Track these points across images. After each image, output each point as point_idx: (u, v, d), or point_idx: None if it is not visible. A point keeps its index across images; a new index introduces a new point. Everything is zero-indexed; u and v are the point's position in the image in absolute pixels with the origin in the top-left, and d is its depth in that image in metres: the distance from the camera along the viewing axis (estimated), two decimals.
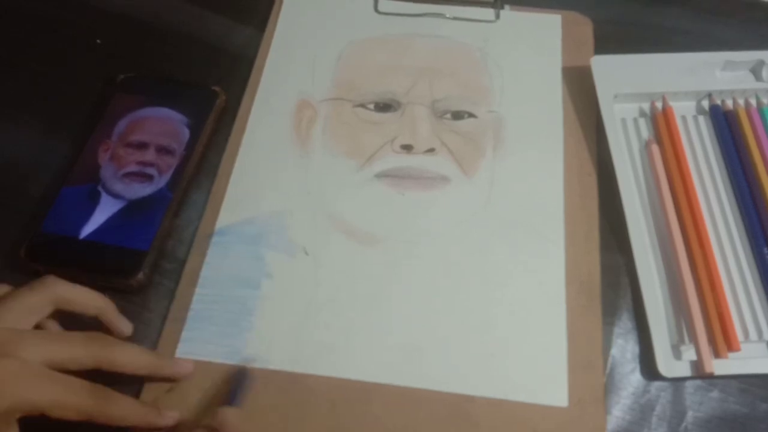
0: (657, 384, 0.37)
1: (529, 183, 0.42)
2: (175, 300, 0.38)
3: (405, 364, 0.36)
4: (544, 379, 0.36)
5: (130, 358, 0.33)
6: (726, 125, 0.43)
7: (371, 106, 0.45)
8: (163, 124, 0.43)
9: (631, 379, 0.37)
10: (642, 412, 0.36)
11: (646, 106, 0.45)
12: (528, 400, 0.35)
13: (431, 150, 0.42)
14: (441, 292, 0.38)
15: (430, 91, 0.45)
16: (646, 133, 0.44)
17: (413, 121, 0.44)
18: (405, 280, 0.39)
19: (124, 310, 0.36)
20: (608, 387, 0.37)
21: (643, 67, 0.45)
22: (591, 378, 0.36)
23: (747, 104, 0.44)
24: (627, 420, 0.36)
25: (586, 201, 0.41)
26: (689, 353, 0.37)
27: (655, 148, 0.42)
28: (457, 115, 0.44)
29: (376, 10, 0.49)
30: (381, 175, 0.42)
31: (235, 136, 0.44)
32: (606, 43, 0.47)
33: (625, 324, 0.38)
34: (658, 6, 0.50)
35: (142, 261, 0.39)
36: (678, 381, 0.37)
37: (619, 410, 0.36)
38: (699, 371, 0.36)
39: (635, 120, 0.45)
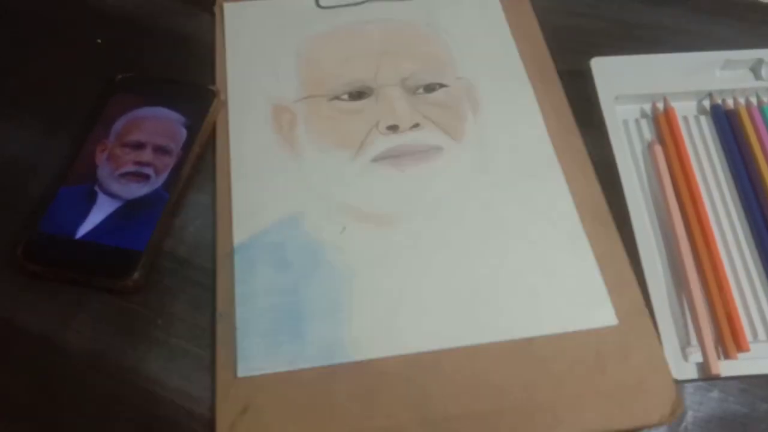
0: None
1: (514, 135, 0.43)
2: (217, 325, 0.37)
3: (460, 326, 0.37)
4: (589, 305, 0.37)
5: None
6: (728, 124, 0.43)
7: (345, 97, 0.45)
8: (160, 124, 0.43)
9: None
10: None
11: (647, 107, 0.45)
12: (581, 327, 0.37)
13: (416, 125, 0.43)
14: (470, 253, 0.39)
15: (396, 72, 0.46)
16: (648, 134, 0.44)
17: (390, 103, 0.44)
18: (433, 250, 0.39)
19: (122, 311, 0.36)
20: None
21: (643, 67, 0.45)
22: (629, 293, 0.38)
23: (748, 103, 0.44)
24: None
25: (569, 138, 0.43)
26: (696, 355, 0.36)
27: (658, 149, 0.42)
28: (429, 88, 0.45)
29: (318, 5, 0.50)
30: (377, 159, 0.42)
31: (221, 152, 0.43)
32: (606, 43, 0.46)
33: None
34: (658, 5, 0.50)
35: (137, 261, 0.38)
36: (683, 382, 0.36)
37: None
38: (706, 373, 0.36)
39: (637, 121, 0.44)
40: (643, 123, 0.44)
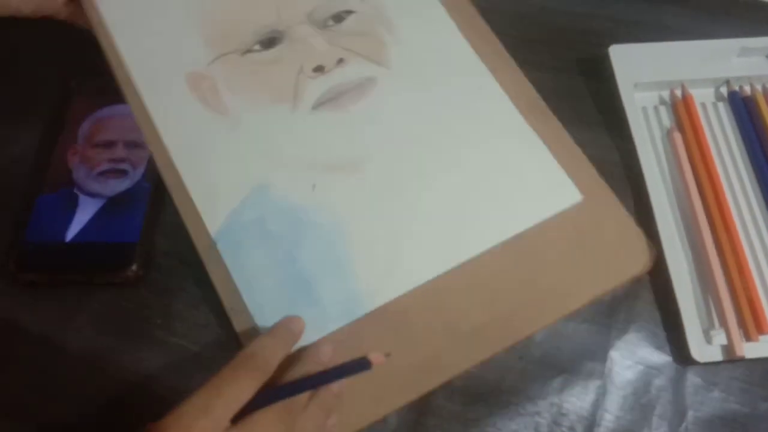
0: (657, 384, 0.37)
1: (435, 47, 0.43)
2: (233, 321, 0.37)
3: (453, 246, 0.38)
4: (553, 188, 0.39)
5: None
6: (745, 111, 0.44)
7: (257, 47, 0.43)
8: (126, 120, 0.43)
9: (631, 379, 0.38)
10: (642, 411, 0.37)
11: (665, 94, 0.45)
12: (553, 211, 0.38)
13: (341, 60, 0.42)
14: (438, 174, 0.40)
15: (298, 9, 0.44)
16: (666, 120, 0.45)
17: (305, 43, 0.43)
18: (405, 182, 0.39)
19: (121, 311, 0.37)
20: (608, 387, 0.37)
21: (661, 55, 0.45)
22: (582, 168, 0.40)
23: (765, 89, 0.44)
24: (628, 420, 0.36)
25: (486, 39, 0.43)
26: (720, 338, 0.37)
27: (677, 136, 0.43)
28: (338, 18, 0.44)
29: None
30: (317, 105, 0.41)
31: (154, 144, 0.40)
32: (605, 41, 0.46)
33: (623, 325, 0.39)
34: (658, 4, 0.50)
35: (133, 252, 0.39)
36: (709, 366, 0.37)
37: (619, 410, 0.37)
38: (730, 355, 0.37)
39: (656, 108, 0.45)
40: (662, 110, 0.45)
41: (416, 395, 0.35)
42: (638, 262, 0.38)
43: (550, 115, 0.41)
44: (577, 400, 0.37)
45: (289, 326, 0.34)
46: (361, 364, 0.32)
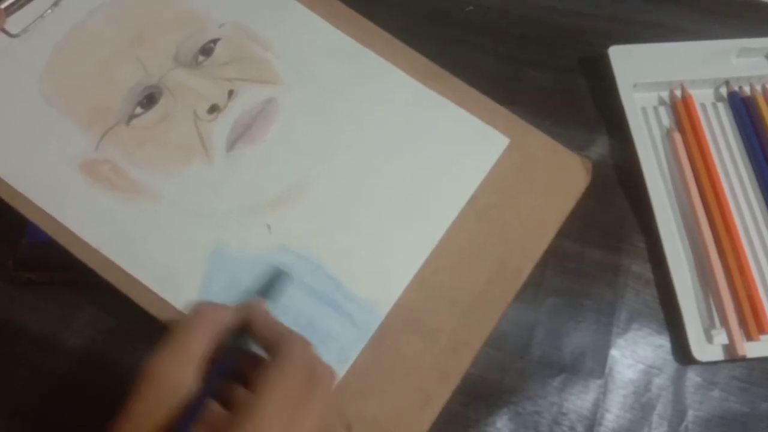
0: (658, 383, 0.37)
1: (311, 43, 0.42)
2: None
3: (420, 232, 0.38)
4: (482, 143, 0.40)
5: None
6: (745, 111, 0.44)
7: (139, 110, 0.39)
8: None
9: (632, 378, 0.37)
10: (643, 411, 0.37)
11: (665, 95, 0.45)
12: (492, 161, 0.40)
13: (231, 92, 0.40)
14: (375, 169, 0.39)
15: (161, 55, 0.40)
16: (666, 121, 0.45)
17: (186, 88, 0.40)
18: (351, 189, 0.39)
19: (121, 311, 0.36)
20: (608, 387, 0.37)
21: (660, 55, 0.45)
22: (496, 112, 0.41)
23: (764, 90, 0.44)
24: (628, 419, 0.36)
25: (352, 20, 0.43)
26: (720, 337, 0.37)
27: (677, 137, 0.43)
28: (206, 51, 0.41)
29: (10, 35, 0.40)
30: (230, 146, 0.39)
31: (83, 253, 0.36)
32: (605, 42, 0.46)
33: (624, 324, 0.39)
34: (658, 4, 0.50)
35: None
36: (709, 365, 0.37)
37: (620, 409, 0.37)
38: (731, 354, 0.37)
39: (655, 108, 0.45)
40: (662, 110, 0.45)
41: (458, 378, 0.36)
42: (580, 177, 0.40)
43: (448, 75, 0.42)
44: (578, 399, 0.37)
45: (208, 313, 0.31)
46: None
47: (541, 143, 0.41)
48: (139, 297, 0.35)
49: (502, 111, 0.41)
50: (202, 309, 0.30)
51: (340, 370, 0.35)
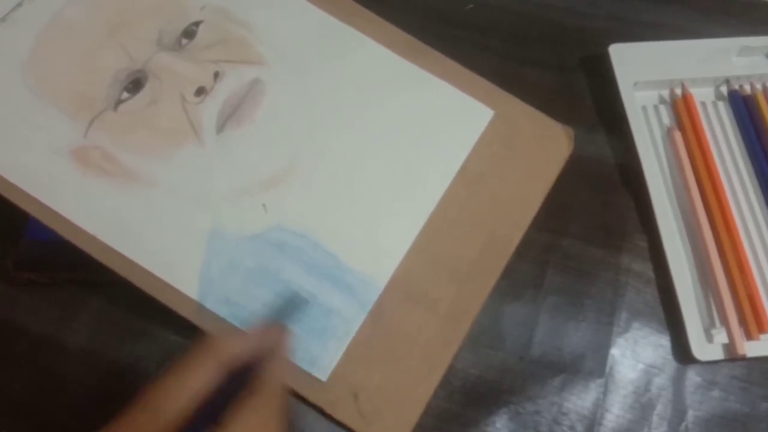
0: (658, 382, 0.37)
1: (293, 24, 0.42)
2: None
3: (413, 204, 0.39)
4: (467, 114, 0.41)
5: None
6: (745, 110, 0.44)
7: (126, 95, 0.39)
8: None
9: (632, 378, 0.37)
10: (643, 410, 0.37)
11: (665, 93, 0.45)
12: (478, 133, 0.41)
13: (217, 74, 0.40)
14: (365, 145, 0.40)
15: (144, 40, 0.40)
16: (666, 119, 0.45)
17: (170, 72, 0.39)
18: (342, 165, 0.39)
19: (121, 310, 0.36)
20: (609, 386, 0.37)
21: (661, 54, 0.45)
22: (478, 85, 0.42)
23: (765, 88, 0.44)
24: (628, 419, 0.36)
25: (338, 2, 0.43)
26: (720, 336, 0.37)
27: (677, 135, 0.43)
28: (189, 33, 0.41)
29: None
30: (220, 128, 0.39)
31: (82, 241, 0.36)
32: (605, 40, 0.46)
33: (624, 323, 0.39)
34: (657, 4, 0.49)
35: None
36: (708, 365, 0.37)
37: (620, 409, 0.37)
38: (731, 353, 0.37)
39: (656, 107, 0.45)
40: (662, 109, 0.45)
41: (458, 345, 0.36)
42: (563, 145, 0.42)
43: (430, 49, 0.42)
44: (578, 399, 0.37)
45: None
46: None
47: (524, 113, 0.42)
48: (140, 281, 0.36)
49: (484, 82, 0.42)
50: (207, 343, 0.30)
51: (344, 342, 0.36)
